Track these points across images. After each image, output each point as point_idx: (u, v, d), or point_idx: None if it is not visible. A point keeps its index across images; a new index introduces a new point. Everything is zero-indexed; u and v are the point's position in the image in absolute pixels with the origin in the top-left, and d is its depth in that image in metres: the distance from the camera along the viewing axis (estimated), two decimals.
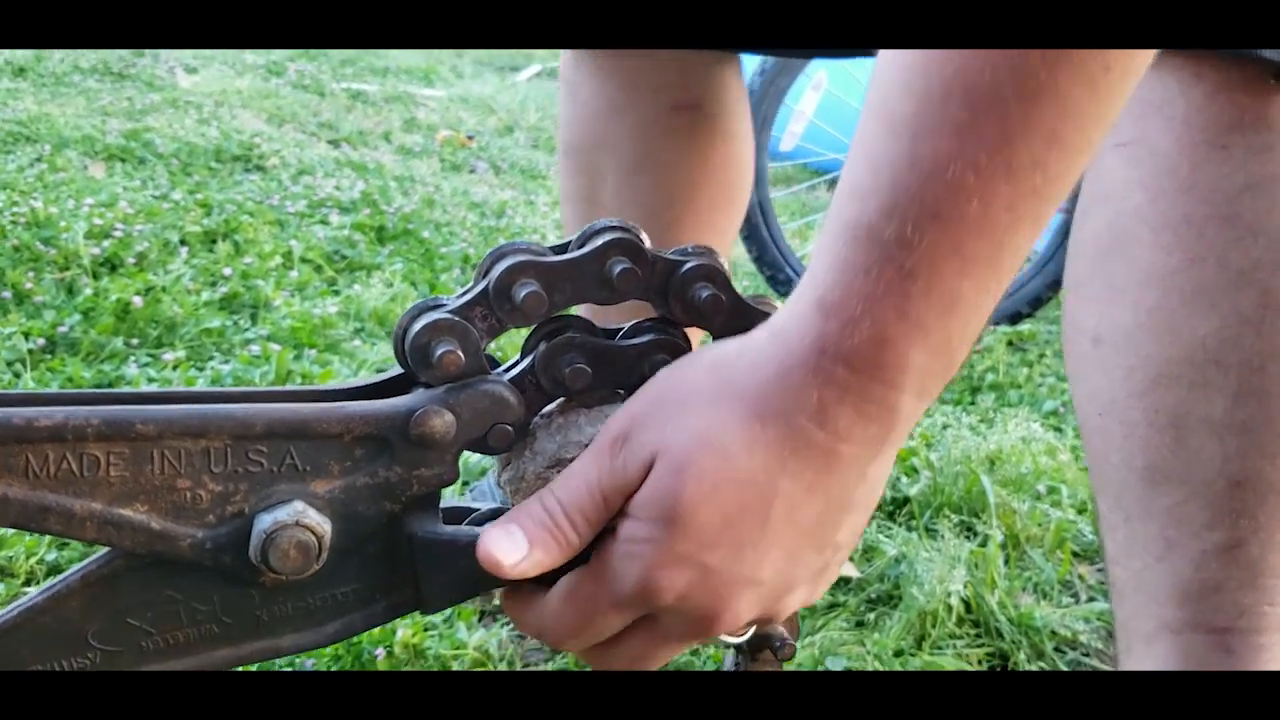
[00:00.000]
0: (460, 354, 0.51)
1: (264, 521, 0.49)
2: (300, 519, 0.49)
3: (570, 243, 0.55)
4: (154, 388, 1.50)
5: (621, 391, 0.56)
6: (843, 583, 1.27)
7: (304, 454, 0.50)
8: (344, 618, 0.53)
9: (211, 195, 2.41)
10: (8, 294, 1.74)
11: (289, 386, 0.55)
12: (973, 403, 1.89)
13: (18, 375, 1.50)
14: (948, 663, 1.13)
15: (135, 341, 1.65)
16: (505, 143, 3.92)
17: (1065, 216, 2.44)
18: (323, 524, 0.50)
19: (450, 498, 1.23)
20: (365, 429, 0.51)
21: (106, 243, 1.92)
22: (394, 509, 0.52)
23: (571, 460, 0.53)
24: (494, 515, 0.56)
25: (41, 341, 1.59)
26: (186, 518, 0.49)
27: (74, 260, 1.83)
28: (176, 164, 2.77)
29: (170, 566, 0.50)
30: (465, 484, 1.33)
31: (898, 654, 1.15)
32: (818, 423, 0.47)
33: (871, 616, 1.21)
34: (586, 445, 0.53)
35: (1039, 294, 2.47)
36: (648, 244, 0.55)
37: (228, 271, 1.92)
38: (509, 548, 0.50)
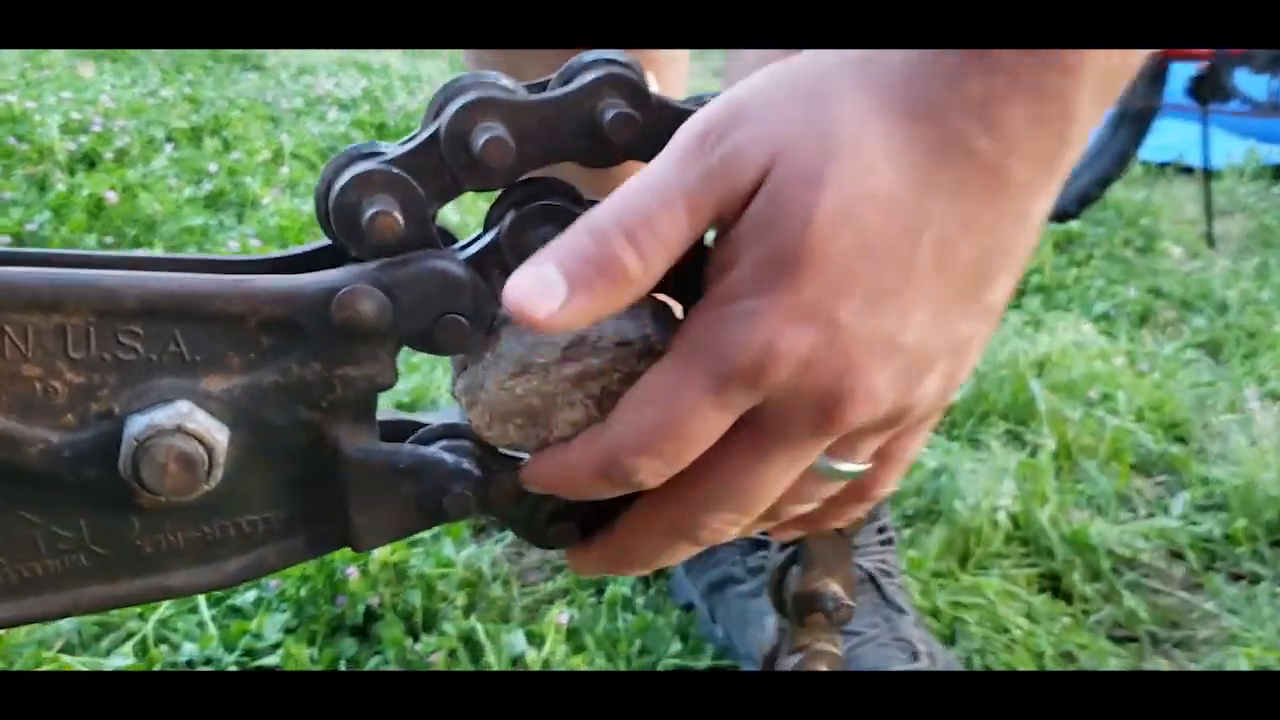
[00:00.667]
0: (398, 218, 0.39)
1: (137, 425, 0.38)
2: (183, 424, 0.38)
3: (550, 81, 0.42)
4: None
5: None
6: None
7: (193, 340, 0.39)
8: (251, 553, 0.42)
9: (203, 93, 2.28)
10: None
11: (183, 254, 0.42)
12: (1018, 305, 1.76)
13: None
14: (993, 584, 1.02)
15: (110, 240, 1.54)
16: None
17: (1119, 109, 2.27)
18: (214, 431, 0.38)
19: (430, 412, 1.12)
20: (274, 311, 0.39)
21: (84, 138, 1.80)
22: (313, 417, 0.40)
23: (544, 365, 0.41)
24: (448, 433, 0.43)
25: (8, 240, 1.48)
26: (36, 416, 0.38)
27: (48, 155, 1.71)
28: (170, 63, 2.64)
29: (21, 480, 0.39)
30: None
31: (937, 575, 1.04)
32: (981, 124, 0.35)
33: (909, 534, 1.10)
34: (565, 348, 0.40)
35: (1087, 191, 2.31)
36: (653, 86, 0.41)
37: (213, 168, 1.79)
38: (539, 292, 0.36)
